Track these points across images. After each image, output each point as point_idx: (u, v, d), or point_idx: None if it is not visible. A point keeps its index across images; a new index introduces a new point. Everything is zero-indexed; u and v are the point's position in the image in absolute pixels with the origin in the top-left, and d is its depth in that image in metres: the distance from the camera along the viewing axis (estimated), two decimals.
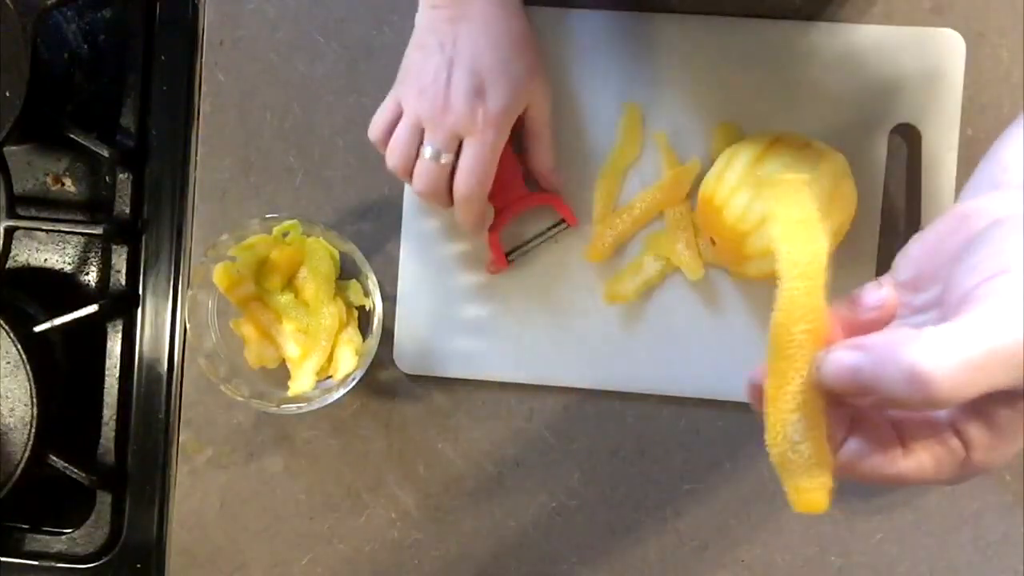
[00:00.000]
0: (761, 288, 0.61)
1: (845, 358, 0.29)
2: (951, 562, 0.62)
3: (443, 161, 0.54)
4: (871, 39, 0.60)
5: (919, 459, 0.31)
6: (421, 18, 0.55)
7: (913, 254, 0.34)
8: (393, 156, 0.55)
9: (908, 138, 0.61)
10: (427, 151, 0.54)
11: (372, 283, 0.60)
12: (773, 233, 0.32)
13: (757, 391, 0.33)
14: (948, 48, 0.60)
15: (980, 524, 0.62)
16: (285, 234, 0.61)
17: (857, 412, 0.32)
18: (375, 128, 0.56)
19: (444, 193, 0.55)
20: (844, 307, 0.33)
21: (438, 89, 0.52)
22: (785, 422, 0.31)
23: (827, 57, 0.61)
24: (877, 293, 0.33)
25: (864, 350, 0.29)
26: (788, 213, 0.32)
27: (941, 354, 0.27)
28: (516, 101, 0.54)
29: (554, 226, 0.62)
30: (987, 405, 0.29)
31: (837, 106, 0.61)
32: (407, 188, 0.63)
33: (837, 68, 0.61)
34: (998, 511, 0.62)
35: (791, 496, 0.31)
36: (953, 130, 0.60)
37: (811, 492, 0.31)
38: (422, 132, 0.54)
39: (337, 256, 0.62)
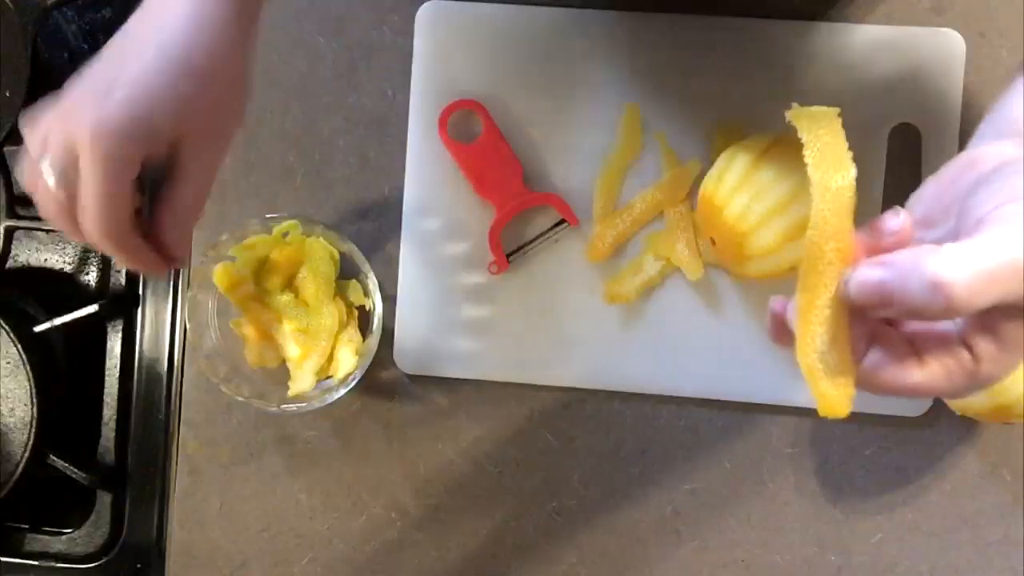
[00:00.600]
0: (761, 288, 0.61)
1: (872, 273, 0.32)
2: (951, 562, 0.62)
3: (54, 176, 0.42)
4: (871, 39, 0.60)
5: (932, 370, 0.33)
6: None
7: (925, 194, 0.37)
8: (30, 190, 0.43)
9: (908, 138, 0.61)
10: (44, 167, 0.42)
11: (372, 283, 0.61)
12: (806, 158, 0.35)
13: (778, 320, 0.36)
14: (948, 48, 0.60)
15: (980, 524, 0.62)
16: (285, 234, 0.61)
17: (877, 328, 0.35)
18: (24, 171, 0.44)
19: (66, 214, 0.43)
20: (865, 234, 0.35)
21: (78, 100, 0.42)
22: (814, 334, 0.34)
23: (827, 57, 0.61)
24: (896, 219, 0.35)
25: (888, 265, 0.32)
26: (820, 140, 0.35)
27: (959, 265, 0.30)
28: (156, 114, 0.41)
29: (554, 226, 0.62)
30: (994, 319, 0.32)
31: (837, 106, 0.60)
32: (407, 188, 0.63)
33: (837, 68, 0.61)
34: (998, 511, 0.62)
35: (818, 401, 0.34)
36: (953, 130, 0.60)
37: (835, 398, 0.34)
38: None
39: (337, 256, 0.62)
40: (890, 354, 0.34)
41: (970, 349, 0.33)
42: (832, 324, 0.34)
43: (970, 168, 0.36)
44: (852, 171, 0.34)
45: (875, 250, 0.35)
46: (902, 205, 0.39)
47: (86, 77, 0.42)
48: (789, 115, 0.38)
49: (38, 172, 0.41)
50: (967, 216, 0.33)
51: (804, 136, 0.35)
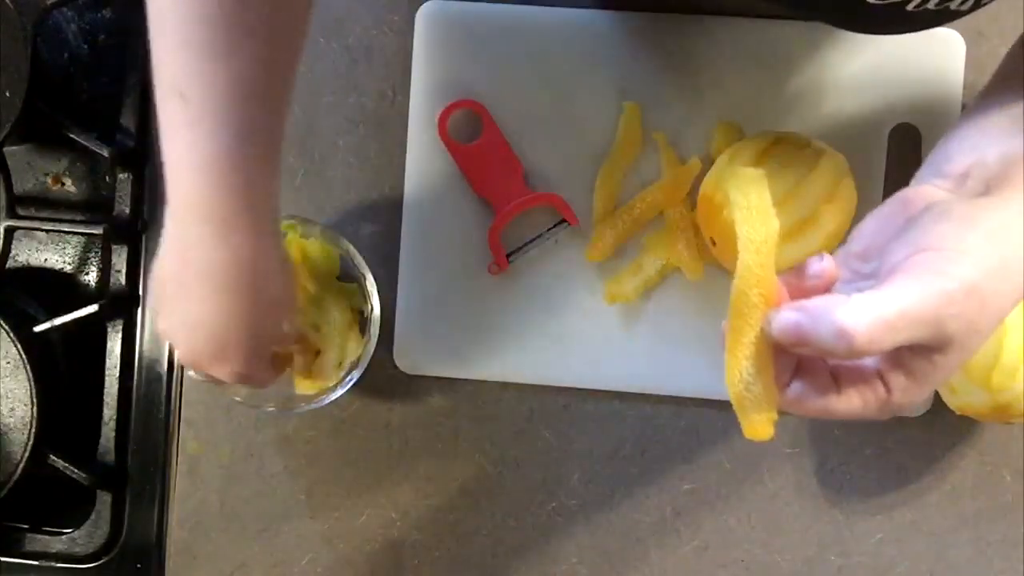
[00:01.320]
0: None
1: (788, 316, 0.36)
2: (951, 562, 0.62)
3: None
4: (871, 39, 0.60)
5: (850, 399, 0.37)
6: (165, 249, 0.48)
7: (865, 230, 0.41)
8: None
9: (908, 138, 0.61)
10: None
11: (370, 284, 0.60)
12: (734, 216, 0.38)
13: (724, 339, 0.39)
14: (948, 48, 0.60)
15: (980, 524, 0.62)
16: (284, 234, 0.61)
17: (801, 360, 0.38)
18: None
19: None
20: (793, 276, 0.39)
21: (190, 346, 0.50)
22: (741, 367, 0.38)
23: (827, 57, 0.61)
24: (819, 264, 0.38)
25: (803, 311, 0.35)
26: (746, 201, 0.38)
27: (861, 314, 0.33)
28: (254, 367, 0.51)
29: (554, 226, 0.62)
30: (905, 357, 0.36)
31: (837, 106, 0.61)
32: (407, 188, 0.63)
33: (837, 68, 0.61)
34: (998, 511, 0.62)
35: (744, 426, 0.38)
36: None
37: (759, 422, 0.38)
38: None
39: (336, 256, 0.62)
40: (813, 384, 0.37)
41: (884, 382, 0.36)
42: (757, 359, 0.37)
43: (903, 208, 0.39)
44: (774, 226, 0.38)
45: (800, 291, 0.38)
46: None
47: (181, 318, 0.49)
48: (726, 186, 0.41)
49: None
50: (885, 260, 0.37)
51: (732, 196, 0.39)
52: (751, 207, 0.38)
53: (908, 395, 0.36)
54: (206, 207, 0.44)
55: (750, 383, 0.37)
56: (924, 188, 0.41)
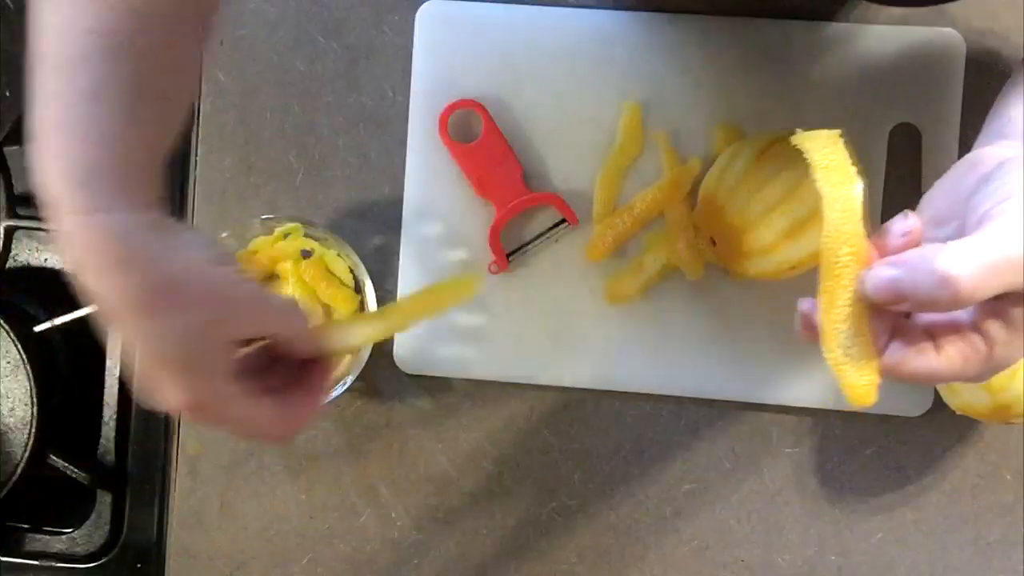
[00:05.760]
0: (761, 288, 0.61)
1: (885, 272, 0.35)
2: (951, 562, 0.62)
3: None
4: (871, 39, 0.60)
5: (949, 355, 0.36)
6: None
7: (934, 195, 0.40)
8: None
9: (908, 138, 0.61)
10: None
11: (369, 286, 0.60)
12: (815, 177, 0.38)
13: (806, 319, 0.39)
14: (948, 48, 0.60)
15: (980, 524, 0.62)
16: (286, 235, 0.61)
17: (897, 321, 0.37)
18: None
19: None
20: (878, 237, 0.38)
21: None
22: (837, 331, 0.37)
23: (827, 57, 0.61)
24: (904, 222, 0.38)
25: (900, 264, 0.35)
26: (826, 160, 0.38)
27: (963, 259, 0.33)
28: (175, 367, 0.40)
29: (554, 226, 0.62)
30: (1003, 306, 0.35)
31: (837, 106, 0.61)
32: (407, 188, 0.63)
33: (837, 68, 0.61)
34: (998, 511, 0.62)
35: (846, 392, 0.37)
36: (953, 130, 0.60)
37: (862, 387, 0.37)
38: None
39: (348, 269, 0.62)
40: (910, 345, 0.37)
41: (983, 334, 0.35)
42: (853, 321, 0.37)
43: (973, 168, 0.39)
44: (859, 183, 0.38)
45: (888, 251, 0.38)
46: (902, 204, 0.41)
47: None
48: (794, 140, 0.41)
49: None
50: (970, 214, 0.36)
51: (811, 157, 0.39)
52: (831, 166, 0.38)
53: (1010, 348, 0.35)
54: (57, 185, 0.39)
55: (848, 347, 0.37)
56: (991, 148, 0.40)
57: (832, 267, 0.37)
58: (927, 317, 0.37)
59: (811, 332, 0.38)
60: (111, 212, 0.38)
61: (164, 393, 0.40)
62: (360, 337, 0.46)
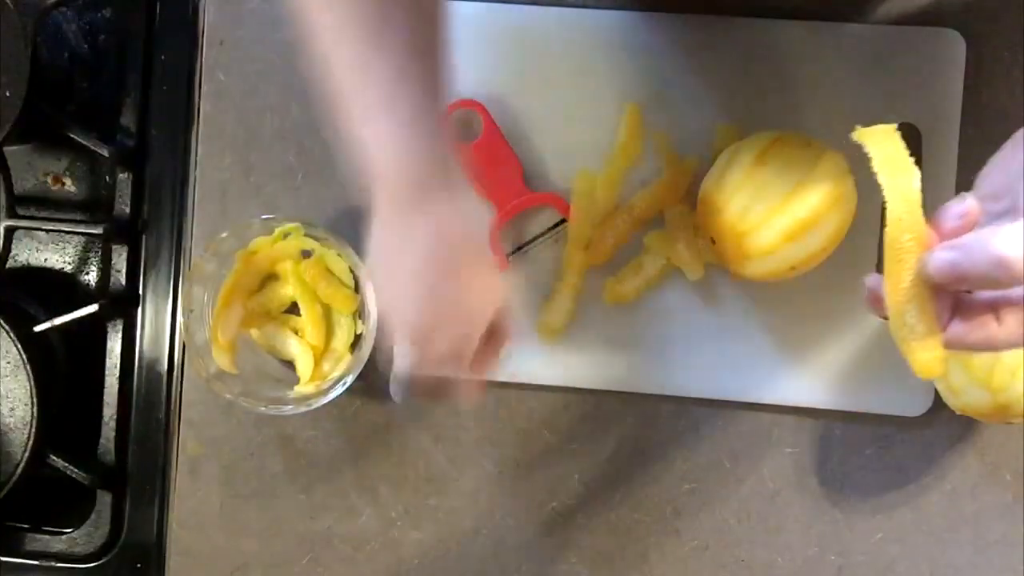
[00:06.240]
0: (761, 288, 0.61)
1: (945, 255, 0.37)
2: (951, 562, 0.62)
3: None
4: (871, 39, 0.60)
5: (1009, 327, 0.38)
6: (374, 235, 0.49)
7: (987, 172, 0.43)
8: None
9: (908, 138, 0.60)
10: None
11: (369, 287, 0.60)
12: (875, 169, 0.41)
13: (874, 296, 0.41)
14: (948, 48, 0.60)
15: (980, 524, 0.62)
16: (286, 235, 0.61)
17: (958, 298, 0.40)
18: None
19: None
20: (937, 220, 0.40)
21: (416, 326, 0.50)
22: (902, 311, 0.39)
23: (827, 57, 0.61)
24: (961, 205, 0.39)
25: (958, 247, 0.37)
26: (883, 153, 0.41)
27: (1018, 242, 0.35)
28: (477, 331, 0.50)
29: (554, 226, 0.62)
30: None
31: (837, 106, 0.61)
32: None
33: (837, 68, 0.61)
34: (998, 511, 0.62)
35: (914, 366, 0.40)
36: (953, 130, 0.60)
37: (928, 360, 0.39)
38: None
39: (348, 269, 0.62)
40: (972, 320, 0.39)
41: None
42: (917, 300, 0.39)
43: (1022, 146, 0.41)
44: (916, 173, 0.40)
45: (947, 233, 0.40)
46: None
47: (422, 294, 0.49)
48: (854, 136, 0.43)
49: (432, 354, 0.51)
50: (1020, 195, 0.39)
51: (870, 151, 0.41)
52: (889, 159, 0.41)
53: None
54: (399, 185, 0.47)
55: (913, 324, 0.39)
56: None
57: (896, 252, 0.39)
58: (986, 293, 0.40)
59: (878, 304, 0.41)
60: (439, 188, 0.47)
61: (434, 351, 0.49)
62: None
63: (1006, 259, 0.35)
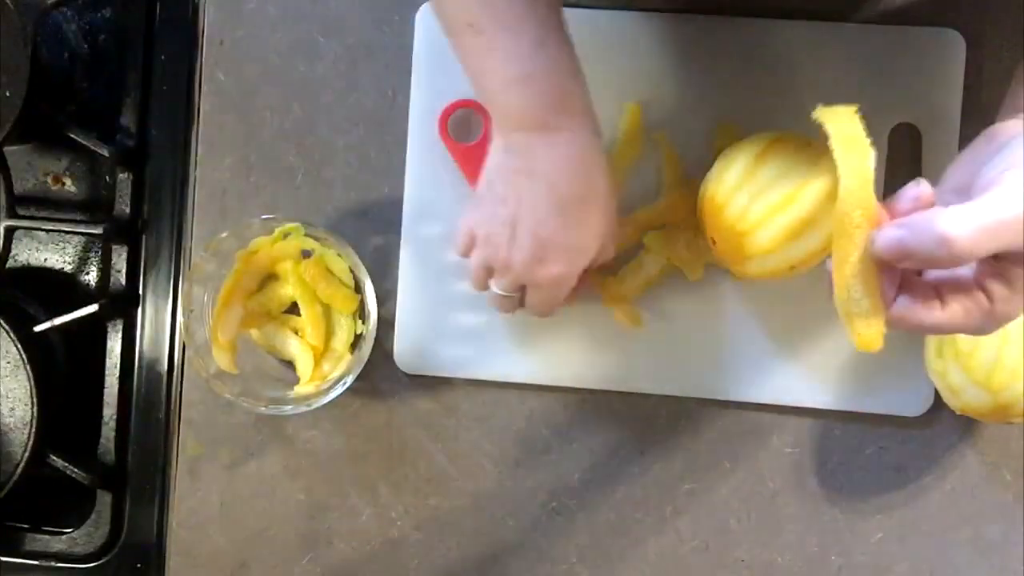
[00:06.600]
0: (761, 288, 0.61)
1: (891, 233, 0.39)
2: (951, 562, 0.62)
3: (512, 294, 0.55)
4: (871, 39, 0.60)
5: (952, 310, 0.39)
6: (493, 158, 0.52)
7: (956, 167, 0.44)
8: (471, 282, 0.57)
9: (908, 138, 0.61)
10: (495, 286, 0.55)
11: (369, 287, 0.60)
12: (832, 146, 0.42)
13: (831, 276, 0.42)
14: (948, 48, 0.60)
15: (980, 524, 0.62)
16: (286, 235, 0.61)
17: (906, 277, 0.41)
18: (457, 251, 0.57)
19: (517, 307, 0.57)
20: (891, 202, 0.42)
21: (501, 244, 0.52)
22: (848, 285, 0.40)
23: (827, 57, 0.61)
24: (915, 189, 0.41)
25: (905, 225, 0.38)
26: (842, 131, 0.42)
27: (961, 221, 0.36)
28: (576, 268, 0.52)
29: None
30: (1004, 265, 0.38)
31: (838, 105, 0.61)
32: (407, 188, 0.63)
33: (837, 68, 0.61)
34: (998, 511, 0.62)
35: (854, 339, 0.41)
36: (953, 130, 0.60)
37: (869, 335, 0.40)
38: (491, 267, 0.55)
39: (348, 269, 0.62)
40: (916, 298, 0.40)
41: (985, 291, 0.39)
42: (863, 275, 0.40)
43: (989, 141, 0.43)
44: (872, 152, 0.41)
45: (899, 214, 0.41)
46: None
47: (490, 222, 0.52)
48: (815, 114, 0.44)
49: (485, 283, 0.56)
50: (978, 181, 0.39)
51: (828, 128, 0.42)
52: (846, 138, 0.42)
53: (1009, 304, 0.39)
54: (524, 117, 0.49)
55: (858, 299, 0.40)
56: (1008, 123, 0.44)
57: (845, 227, 0.40)
58: (934, 274, 0.41)
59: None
60: (580, 131, 0.49)
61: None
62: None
63: (949, 237, 0.36)
